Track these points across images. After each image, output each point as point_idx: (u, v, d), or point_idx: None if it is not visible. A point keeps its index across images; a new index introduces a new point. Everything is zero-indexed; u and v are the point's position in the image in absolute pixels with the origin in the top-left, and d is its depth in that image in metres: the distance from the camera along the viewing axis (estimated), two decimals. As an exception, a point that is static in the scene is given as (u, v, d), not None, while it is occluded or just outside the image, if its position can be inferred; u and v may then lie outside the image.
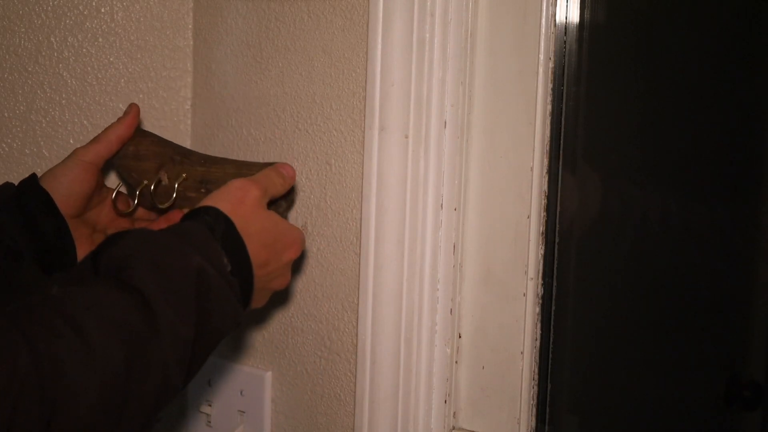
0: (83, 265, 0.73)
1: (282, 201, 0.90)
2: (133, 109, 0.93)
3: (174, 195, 0.91)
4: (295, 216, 1.02)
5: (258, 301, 0.83)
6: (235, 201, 0.80)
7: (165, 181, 0.92)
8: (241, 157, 1.05)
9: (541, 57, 0.92)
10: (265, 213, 0.82)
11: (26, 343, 0.61)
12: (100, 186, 0.93)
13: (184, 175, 0.91)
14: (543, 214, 0.95)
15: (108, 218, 0.95)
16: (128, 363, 0.65)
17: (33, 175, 0.89)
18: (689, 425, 1.45)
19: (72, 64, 1.09)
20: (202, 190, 0.90)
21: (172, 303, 0.69)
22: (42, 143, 1.09)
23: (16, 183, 0.90)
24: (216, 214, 0.77)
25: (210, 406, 1.10)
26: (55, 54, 1.08)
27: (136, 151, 0.93)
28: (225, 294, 0.74)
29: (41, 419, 0.60)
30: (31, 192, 0.87)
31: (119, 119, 0.93)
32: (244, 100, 1.06)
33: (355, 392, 0.97)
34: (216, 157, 0.94)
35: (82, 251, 0.90)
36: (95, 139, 0.92)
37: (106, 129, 0.93)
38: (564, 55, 0.95)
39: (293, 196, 0.90)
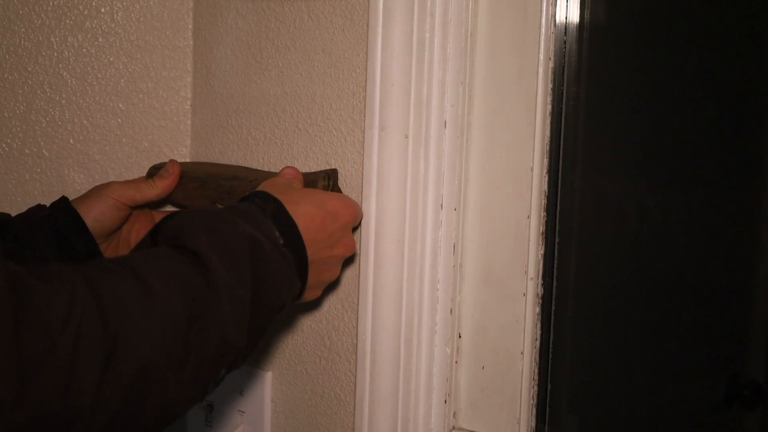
0: (143, 242, 0.78)
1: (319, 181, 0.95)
2: (174, 171, 0.98)
3: None
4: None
5: (321, 272, 0.85)
6: (283, 185, 0.86)
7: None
8: (240, 157, 1.05)
9: (541, 57, 0.92)
10: (311, 192, 0.88)
11: (84, 279, 0.63)
12: (129, 214, 0.98)
13: None
14: (543, 214, 0.94)
15: (139, 231, 0.99)
16: (188, 313, 0.67)
17: (64, 198, 0.94)
18: (689, 425, 1.45)
19: (72, 64, 1.09)
20: None
21: (227, 264, 0.72)
22: (42, 143, 1.09)
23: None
24: (265, 196, 0.82)
25: (210, 406, 1.10)
26: (55, 54, 1.08)
27: (184, 196, 0.99)
28: (279, 263, 0.77)
29: (104, 349, 0.61)
30: (62, 212, 0.92)
31: (161, 177, 0.98)
32: (244, 100, 1.06)
33: (355, 392, 0.97)
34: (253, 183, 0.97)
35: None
36: (136, 186, 0.96)
37: (150, 183, 0.97)
38: (564, 55, 0.95)
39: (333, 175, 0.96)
